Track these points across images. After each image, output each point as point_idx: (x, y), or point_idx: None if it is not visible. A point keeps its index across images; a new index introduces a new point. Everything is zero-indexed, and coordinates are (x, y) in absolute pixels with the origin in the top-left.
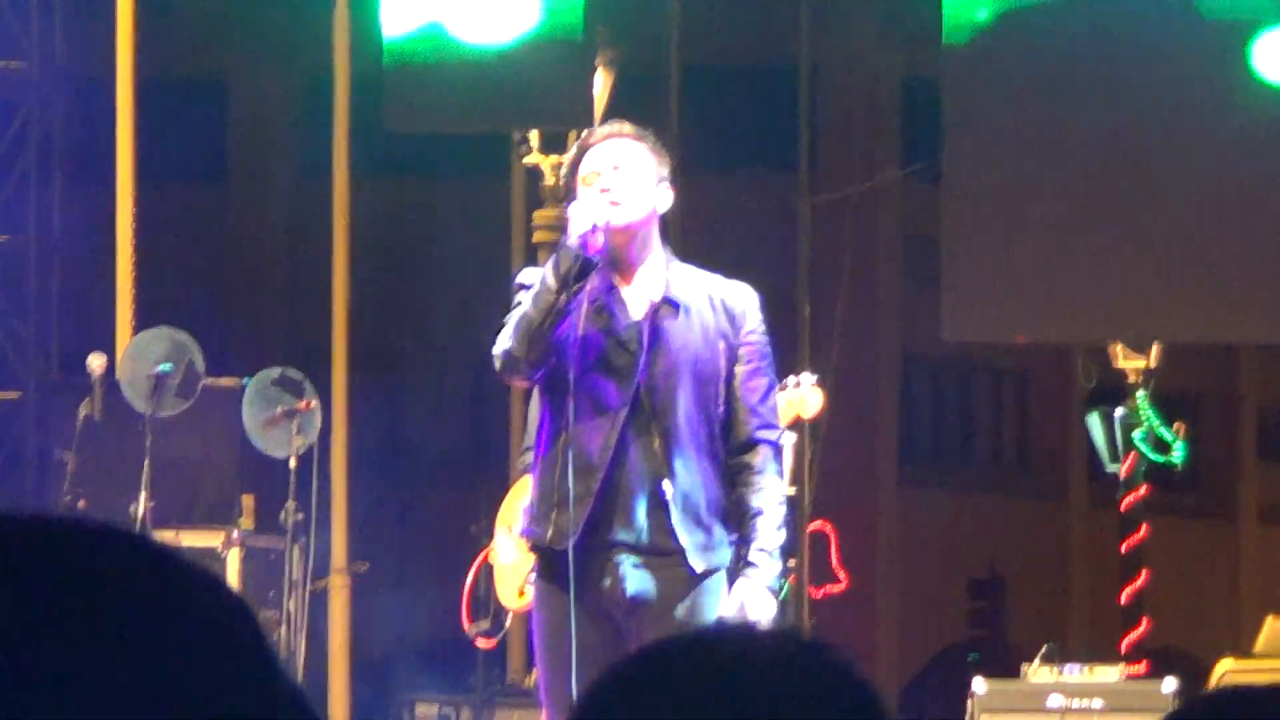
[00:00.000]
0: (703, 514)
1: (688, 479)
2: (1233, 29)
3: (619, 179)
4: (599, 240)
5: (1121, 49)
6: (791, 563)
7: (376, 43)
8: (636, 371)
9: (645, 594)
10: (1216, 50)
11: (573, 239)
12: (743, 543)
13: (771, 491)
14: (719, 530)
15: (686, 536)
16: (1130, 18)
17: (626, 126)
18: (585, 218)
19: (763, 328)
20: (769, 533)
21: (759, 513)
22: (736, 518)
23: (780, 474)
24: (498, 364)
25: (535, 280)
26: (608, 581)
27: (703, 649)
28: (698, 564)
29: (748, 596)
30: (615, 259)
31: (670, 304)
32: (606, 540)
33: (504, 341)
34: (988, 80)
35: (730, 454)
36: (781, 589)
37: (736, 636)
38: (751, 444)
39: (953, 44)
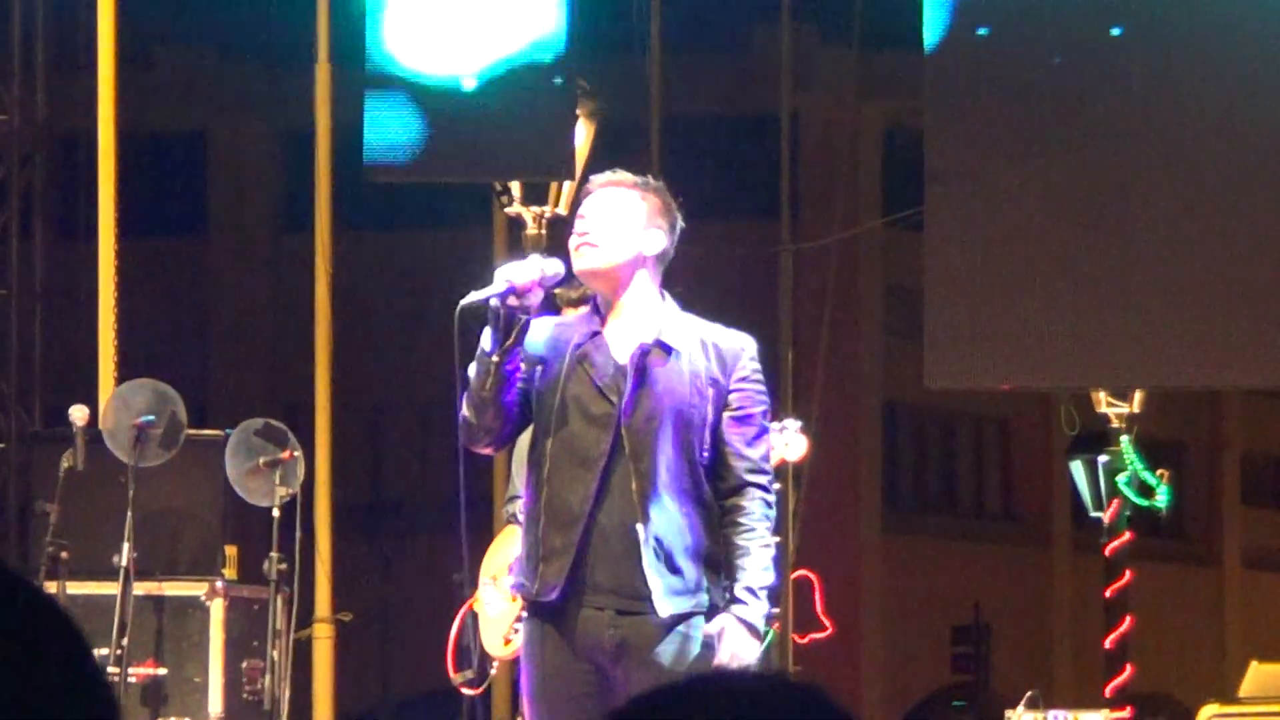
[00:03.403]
0: (677, 558)
1: (663, 522)
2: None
3: (595, 224)
4: (523, 300)
5: (1101, 95)
6: (776, 610)
7: (358, 95)
8: (616, 420)
9: (629, 641)
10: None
11: (492, 299)
12: (729, 584)
13: (759, 533)
14: (697, 575)
15: (657, 580)
16: (1111, 64)
17: (622, 175)
18: (503, 278)
19: (757, 375)
20: (755, 572)
21: (745, 552)
22: (722, 563)
23: (770, 518)
24: (461, 434)
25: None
26: (593, 630)
27: (692, 699)
28: (664, 608)
29: (729, 632)
30: (601, 303)
31: (661, 347)
32: (590, 590)
33: (462, 409)
34: (969, 129)
35: (720, 497)
36: (767, 634)
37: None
38: (740, 487)
39: (935, 93)
